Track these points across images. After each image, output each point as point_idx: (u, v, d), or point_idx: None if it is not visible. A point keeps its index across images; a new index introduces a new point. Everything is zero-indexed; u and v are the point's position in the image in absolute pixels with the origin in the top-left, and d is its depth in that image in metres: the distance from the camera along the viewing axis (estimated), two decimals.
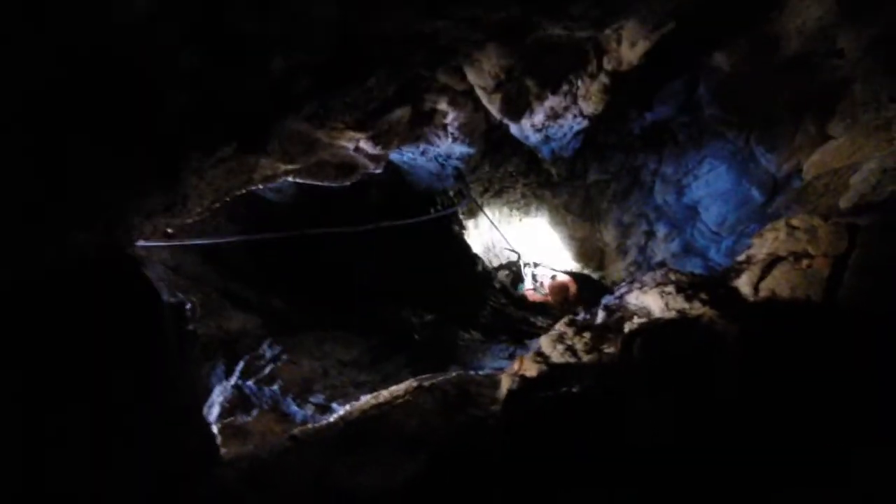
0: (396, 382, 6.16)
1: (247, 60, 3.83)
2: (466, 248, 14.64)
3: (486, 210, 13.35)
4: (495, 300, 13.87)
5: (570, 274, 14.57)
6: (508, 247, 13.78)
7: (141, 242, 5.42)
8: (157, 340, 4.59)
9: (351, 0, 4.13)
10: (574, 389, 4.11)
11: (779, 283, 4.81)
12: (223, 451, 6.27)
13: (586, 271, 15.10)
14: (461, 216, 14.53)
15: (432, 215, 10.42)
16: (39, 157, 2.87)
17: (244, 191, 6.35)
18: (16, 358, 3.36)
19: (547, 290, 14.01)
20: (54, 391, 3.56)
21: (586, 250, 14.66)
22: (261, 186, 6.67)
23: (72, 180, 3.16)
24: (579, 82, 7.89)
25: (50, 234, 3.33)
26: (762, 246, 5.48)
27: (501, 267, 15.68)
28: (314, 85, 4.77)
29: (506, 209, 14.25)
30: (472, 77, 7.14)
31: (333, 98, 5.45)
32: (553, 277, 14.37)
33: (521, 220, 14.67)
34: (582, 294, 13.91)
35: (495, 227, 12.42)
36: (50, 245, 3.39)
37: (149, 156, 3.72)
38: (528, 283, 14.82)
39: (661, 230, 12.66)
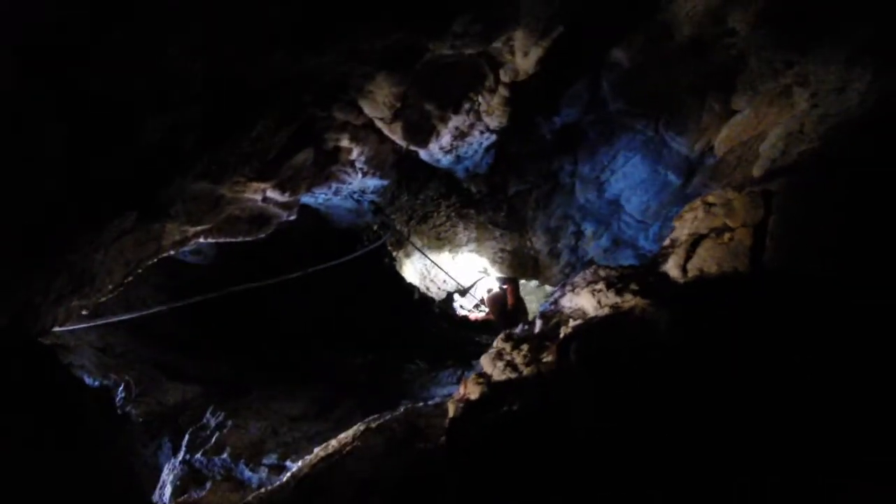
0: (350, 428, 6.04)
1: (119, 126, 3.68)
2: (400, 279, 14.54)
3: (414, 237, 13.23)
4: (437, 327, 13.79)
5: (508, 280, 14.46)
6: (442, 271, 13.64)
7: (59, 328, 5.24)
8: (77, 431, 4.40)
9: (215, 50, 4.02)
10: (514, 408, 4.01)
11: (704, 260, 4.81)
12: None
13: (522, 281, 15.03)
14: (389, 248, 14.42)
15: (355, 254, 10.26)
16: None
17: (156, 259, 6.16)
18: None
19: (486, 308, 13.89)
20: None
21: (520, 260, 14.62)
22: (173, 252, 6.48)
23: None
24: (480, 98, 7.88)
25: None
26: (683, 227, 5.49)
27: (460, 292, 15.56)
28: (199, 141, 4.63)
29: (433, 233, 14.17)
30: (368, 110, 7.06)
31: (223, 151, 5.30)
32: (489, 291, 14.26)
33: (453, 257, 14.58)
34: (518, 302, 13.86)
35: (424, 254, 12.30)
36: None
37: (33, 239, 3.55)
38: (457, 309, 14.71)
39: (588, 228, 12.67)
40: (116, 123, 3.65)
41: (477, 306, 14.25)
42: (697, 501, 2.86)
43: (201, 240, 6.78)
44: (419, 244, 12.58)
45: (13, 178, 3.11)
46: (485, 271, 14.55)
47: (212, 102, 4.36)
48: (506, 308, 13.41)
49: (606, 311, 4.99)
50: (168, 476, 7.98)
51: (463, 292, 14.70)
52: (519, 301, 13.71)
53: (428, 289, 15.54)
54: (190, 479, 7.85)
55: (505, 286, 13.91)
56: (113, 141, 3.74)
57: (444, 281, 15.37)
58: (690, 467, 2.96)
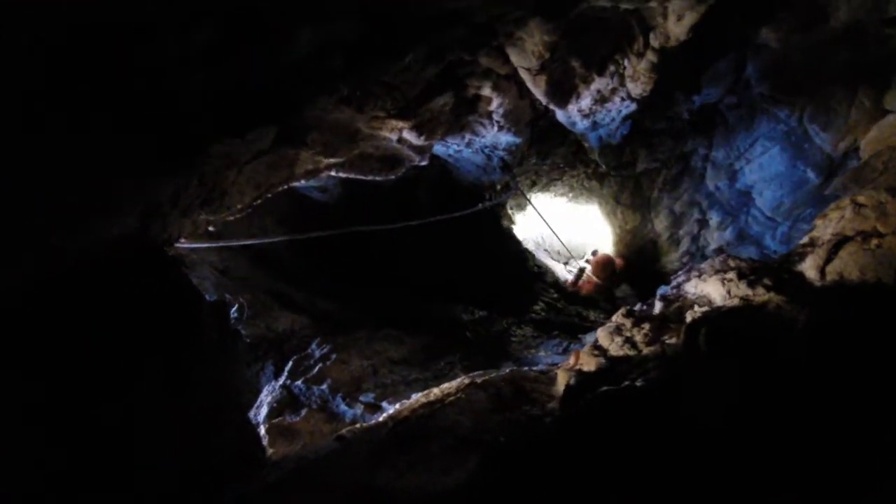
0: (449, 380, 6.04)
1: (269, 33, 3.62)
2: (516, 242, 14.50)
3: (535, 203, 13.15)
4: (547, 295, 13.72)
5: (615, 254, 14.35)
6: (559, 240, 13.56)
7: (184, 244, 5.34)
8: (194, 339, 4.50)
9: None
10: (638, 383, 3.91)
11: (847, 265, 4.58)
12: (271, 451, 6.20)
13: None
14: (510, 210, 14.38)
15: (478, 207, 10.25)
16: (50, 147, 2.73)
17: (286, 186, 6.22)
18: (42, 354, 3.28)
19: (590, 269, 13.76)
20: (82, 388, 3.48)
21: (638, 242, 14.42)
22: (303, 182, 6.54)
23: (88, 167, 3.01)
24: (626, 62, 7.68)
25: (67, 225, 3.19)
26: (826, 227, 5.25)
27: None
28: (347, 62, 4.57)
29: (555, 202, 14.07)
30: (514, 58, 6.96)
31: (369, 77, 5.25)
32: (594, 253, 14.11)
33: (571, 211, 14.47)
34: (628, 270, 13.75)
35: (544, 220, 12.18)
36: (67, 238, 3.25)
37: (168, 140, 3.54)
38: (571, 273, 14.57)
39: (714, 218, 12.37)
40: (268, 31, 3.60)
41: (579, 275, 14.09)
42: None
43: (332, 173, 6.82)
44: (541, 210, 12.47)
45: (153, 70, 3.09)
46: (594, 254, 14.40)
47: (365, 24, 4.30)
48: (614, 271, 13.34)
49: (736, 301, 4.84)
50: (266, 397, 8.20)
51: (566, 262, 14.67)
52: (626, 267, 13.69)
53: (542, 256, 15.48)
54: (287, 403, 8.04)
55: (596, 251, 13.87)
56: (263, 49, 3.71)
57: (559, 252, 15.28)
58: (815, 474, 2.83)
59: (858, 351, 3.49)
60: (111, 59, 2.74)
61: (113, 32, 2.64)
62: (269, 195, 6.06)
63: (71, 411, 3.39)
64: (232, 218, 5.79)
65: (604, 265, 13.51)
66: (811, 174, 9.55)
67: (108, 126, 2.95)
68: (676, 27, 6.89)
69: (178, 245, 5.15)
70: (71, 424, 3.39)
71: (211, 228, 5.75)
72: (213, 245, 7.35)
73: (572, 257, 14.74)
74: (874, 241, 4.54)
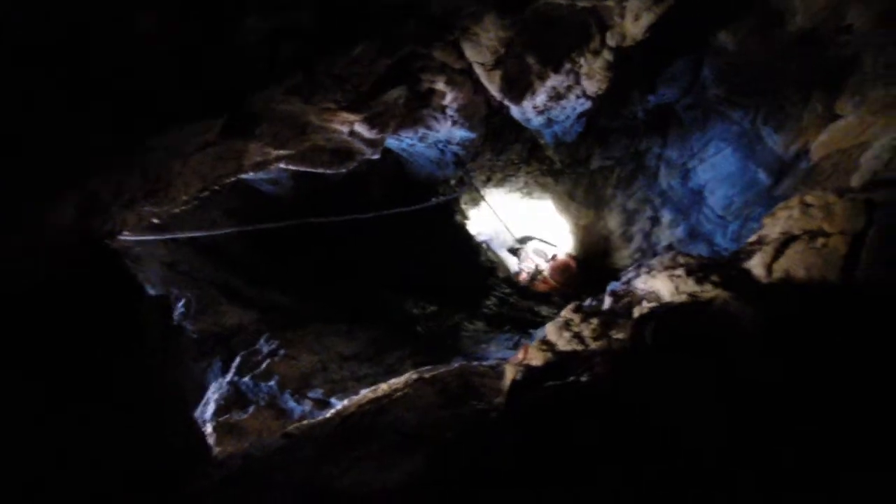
0: (399, 375, 6.01)
1: (214, 20, 3.55)
2: (469, 237, 14.51)
3: (489, 197, 13.17)
4: (500, 289, 13.75)
5: (570, 256, 14.49)
6: (512, 235, 13.64)
7: (128, 236, 5.24)
8: (135, 336, 4.40)
9: None
10: (583, 378, 3.91)
11: (793, 263, 4.61)
12: (218, 449, 6.11)
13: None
14: (463, 205, 14.38)
15: (431, 202, 10.23)
16: None
17: (235, 178, 6.13)
18: None
19: (548, 273, 13.95)
20: (17, 383, 3.39)
21: (591, 238, 14.49)
22: (252, 174, 6.45)
23: (15, 151, 2.92)
24: (582, 60, 7.69)
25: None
26: (775, 225, 5.28)
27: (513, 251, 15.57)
28: (297, 53, 4.51)
29: (508, 196, 14.11)
30: (469, 53, 6.96)
31: (319, 68, 5.19)
32: (553, 257, 14.29)
33: (525, 207, 14.53)
34: (581, 272, 13.89)
35: (497, 216, 12.23)
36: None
37: (105, 129, 3.44)
38: (521, 264, 14.72)
39: (666, 216, 12.47)
40: (213, 18, 3.53)
41: (535, 275, 14.27)
42: None
43: (282, 165, 6.75)
44: (494, 206, 12.50)
45: (88, 55, 3.00)
46: (553, 258, 14.58)
47: (316, 13, 4.24)
48: (571, 275, 13.48)
49: (684, 297, 4.86)
50: (213, 395, 8.08)
51: (514, 251, 14.77)
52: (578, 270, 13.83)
53: (495, 251, 15.53)
54: (234, 400, 7.94)
55: (566, 256, 13.99)
56: (207, 36, 3.63)
57: (511, 247, 15.37)
58: (763, 466, 2.84)
59: (802, 345, 3.53)
60: (45, 40, 2.67)
61: (48, 16, 2.58)
62: (217, 187, 5.98)
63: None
64: (178, 210, 5.70)
65: (561, 270, 13.73)
66: (762, 175, 9.65)
67: (35, 107, 2.87)
68: (633, 27, 6.92)
69: (122, 237, 5.05)
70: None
71: (156, 221, 5.66)
72: (159, 237, 7.23)
73: (523, 250, 14.85)
74: (820, 241, 4.58)
